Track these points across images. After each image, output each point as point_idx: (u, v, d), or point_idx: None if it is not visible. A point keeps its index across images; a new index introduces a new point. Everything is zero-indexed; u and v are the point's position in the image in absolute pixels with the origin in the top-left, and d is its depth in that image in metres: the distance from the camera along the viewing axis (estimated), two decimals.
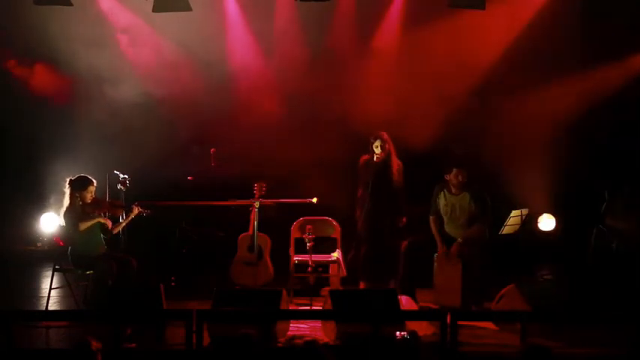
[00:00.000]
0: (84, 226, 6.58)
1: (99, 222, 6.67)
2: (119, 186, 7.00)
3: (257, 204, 7.27)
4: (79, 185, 6.65)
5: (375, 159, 7.09)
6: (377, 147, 7.10)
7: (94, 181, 6.72)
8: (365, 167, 7.20)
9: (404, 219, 7.20)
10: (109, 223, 6.72)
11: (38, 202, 8.96)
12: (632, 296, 6.83)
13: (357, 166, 7.28)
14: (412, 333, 5.28)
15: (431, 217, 7.01)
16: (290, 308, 6.47)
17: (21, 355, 5.35)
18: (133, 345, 5.56)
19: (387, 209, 7.14)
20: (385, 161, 7.09)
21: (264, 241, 7.29)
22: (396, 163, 7.16)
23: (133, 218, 6.85)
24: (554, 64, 8.34)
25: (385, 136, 7.15)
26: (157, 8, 7.85)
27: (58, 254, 7.04)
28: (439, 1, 7.94)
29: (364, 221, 7.18)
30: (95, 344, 4.27)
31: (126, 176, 7.03)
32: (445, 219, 6.97)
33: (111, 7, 8.37)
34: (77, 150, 8.45)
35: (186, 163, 8.16)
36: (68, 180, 6.70)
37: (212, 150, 7.99)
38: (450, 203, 6.93)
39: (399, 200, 7.17)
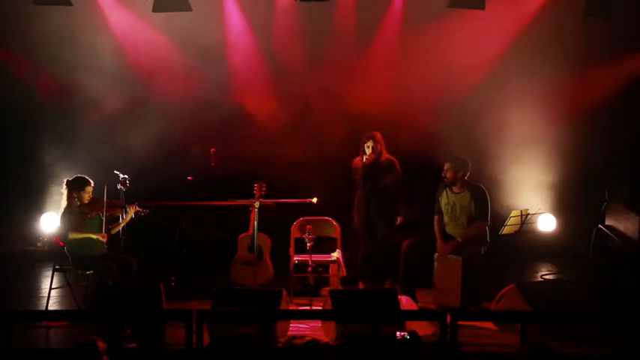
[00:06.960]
0: (74, 236, 6.58)
1: (96, 219, 6.64)
2: (119, 186, 6.98)
3: (257, 204, 7.27)
4: (76, 186, 6.64)
5: (364, 160, 7.09)
6: (368, 147, 7.10)
7: (91, 181, 6.71)
8: (356, 169, 7.20)
9: (399, 218, 7.19)
10: (105, 239, 6.66)
11: (38, 202, 8.96)
12: (631, 296, 6.84)
13: (351, 168, 7.30)
14: (412, 333, 5.29)
15: (435, 217, 6.99)
16: (290, 308, 6.47)
17: (21, 355, 5.35)
18: (133, 345, 5.56)
19: (380, 209, 7.13)
20: (375, 162, 7.09)
21: (264, 241, 7.28)
22: (386, 163, 7.14)
23: (132, 218, 6.84)
24: (553, 64, 8.34)
25: (378, 136, 7.14)
26: (156, 8, 7.86)
27: (58, 254, 7.03)
28: (439, 1, 7.95)
29: (359, 222, 7.20)
30: (101, 344, 4.25)
31: (126, 176, 7.02)
32: (446, 218, 6.94)
33: (111, 7, 8.37)
34: (77, 150, 8.47)
35: (186, 163, 8.16)
36: (65, 181, 6.70)
37: (212, 150, 7.99)
38: (450, 201, 6.91)
39: (392, 200, 7.17)
